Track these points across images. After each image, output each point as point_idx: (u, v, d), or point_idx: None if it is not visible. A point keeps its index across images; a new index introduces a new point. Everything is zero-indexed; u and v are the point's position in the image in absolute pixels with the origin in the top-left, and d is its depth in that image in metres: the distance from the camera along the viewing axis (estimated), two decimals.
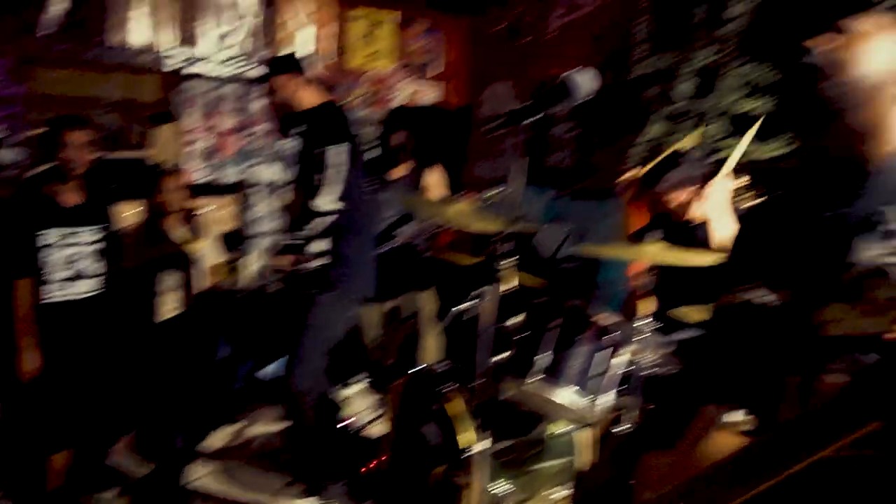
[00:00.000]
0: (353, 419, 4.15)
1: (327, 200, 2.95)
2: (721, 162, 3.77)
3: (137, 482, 3.70)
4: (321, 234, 3.06)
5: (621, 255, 3.26)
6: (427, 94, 5.80)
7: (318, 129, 3.06)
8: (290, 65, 3.22)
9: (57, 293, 3.15)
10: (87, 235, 3.25)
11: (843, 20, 1.05)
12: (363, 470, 2.91)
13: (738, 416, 0.99)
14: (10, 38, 4.03)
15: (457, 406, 2.67)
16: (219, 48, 4.74)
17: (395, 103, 5.71)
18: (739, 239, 1.29)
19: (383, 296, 4.50)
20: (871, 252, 0.96)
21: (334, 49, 5.31)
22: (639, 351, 2.53)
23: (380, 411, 4.25)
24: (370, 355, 4.61)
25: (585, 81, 1.49)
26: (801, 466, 0.78)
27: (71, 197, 3.21)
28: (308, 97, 3.15)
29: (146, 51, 4.47)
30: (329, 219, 3.04)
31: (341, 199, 3.02)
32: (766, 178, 3.74)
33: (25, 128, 4.12)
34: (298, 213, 3.15)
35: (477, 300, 3.24)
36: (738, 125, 3.72)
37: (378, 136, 4.61)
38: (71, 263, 3.19)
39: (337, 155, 2.97)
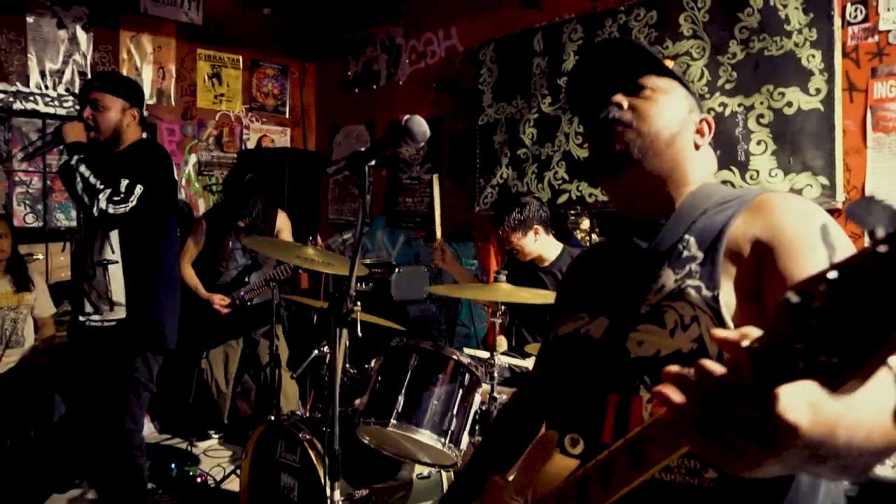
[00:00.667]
0: (208, 473, 3.95)
1: (106, 207, 2.60)
2: (564, 204, 4.03)
3: None
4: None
5: (474, 295, 3.37)
6: (276, 137, 5.74)
7: (131, 167, 2.73)
8: (128, 89, 2.87)
9: None
10: None
11: (644, 77, 1.19)
12: None
13: (569, 439, 1.06)
14: None
15: (315, 453, 2.62)
16: (48, 85, 4.45)
17: (245, 146, 5.61)
18: (567, 274, 1.40)
19: (231, 343, 4.36)
20: (674, 276, 1.07)
21: (175, 89, 5.14)
22: (495, 388, 2.62)
23: (236, 464, 4.07)
24: (224, 407, 4.43)
25: (422, 125, 1.53)
26: (630, 488, 0.83)
27: None
28: (132, 135, 2.86)
29: None
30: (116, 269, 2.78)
31: (151, 253, 2.81)
32: (602, 217, 4.05)
33: None
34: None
35: (328, 345, 3.21)
36: (579, 170, 3.99)
37: (229, 179, 4.50)
38: None
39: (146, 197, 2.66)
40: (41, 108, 4.43)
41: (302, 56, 5.86)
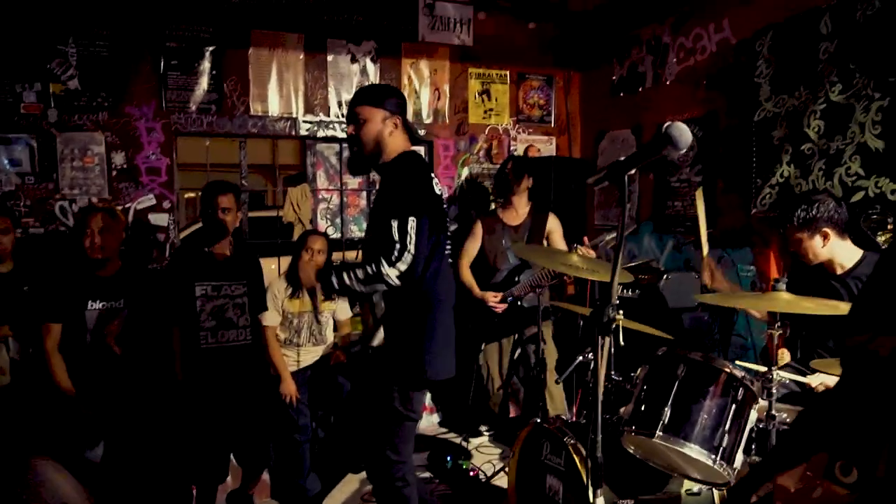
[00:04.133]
0: (479, 468, 4.18)
1: (396, 271, 2.51)
2: (859, 203, 3.58)
3: None
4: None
5: (751, 304, 3.13)
6: (542, 146, 5.87)
7: (396, 180, 2.63)
8: (383, 98, 2.75)
9: (210, 340, 3.44)
10: (234, 288, 3.53)
11: None
12: None
13: (839, 466, 0.95)
14: (162, 114, 4.49)
15: (579, 458, 2.64)
16: (343, 114, 5.05)
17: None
18: (870, 282, 1.22)
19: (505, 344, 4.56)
20: None
21: (449, 108, 5.50)
22: (773, 405, 2.42)
23: (504, 461, 4.25)
24: (495, 401, 4.64)
25: (684, 132, 1.47)
26: None
27: (221, 253, 3.50)
28: (395, 143, 2.75)
29: (282, 119, 4.83)
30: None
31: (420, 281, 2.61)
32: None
33: (173, 194, 4.53)
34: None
35: (593, 351, 3.20)
36: (878, 163, 3.52)
37: (497, 178, 4.69)
38: (220, 313, 3.47)
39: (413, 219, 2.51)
40: (339, 134, 5.04)
41: (567, 65, 5.93)
